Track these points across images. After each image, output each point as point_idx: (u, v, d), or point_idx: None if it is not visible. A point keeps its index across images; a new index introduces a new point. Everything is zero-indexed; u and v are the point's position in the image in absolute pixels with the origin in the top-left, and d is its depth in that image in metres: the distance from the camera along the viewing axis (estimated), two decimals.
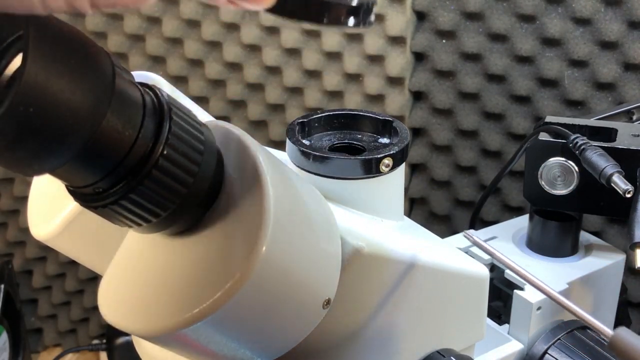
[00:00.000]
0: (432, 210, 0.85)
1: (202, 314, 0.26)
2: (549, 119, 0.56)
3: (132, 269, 0.31)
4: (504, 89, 0.77)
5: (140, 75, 0.42)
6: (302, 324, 0.31)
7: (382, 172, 0.36)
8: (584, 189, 0.53)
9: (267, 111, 0.88)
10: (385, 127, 0.40)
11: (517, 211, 0.80)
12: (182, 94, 0.43)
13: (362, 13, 0.28)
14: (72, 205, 0.37)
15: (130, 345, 0.60)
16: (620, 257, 0.57)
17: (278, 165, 0.30)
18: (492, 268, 0.55)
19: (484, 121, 0.79)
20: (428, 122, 0.81)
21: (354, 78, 0.80)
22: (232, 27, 0.85)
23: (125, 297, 0.30)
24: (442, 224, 0.86)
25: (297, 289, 0.29)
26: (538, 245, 0.57)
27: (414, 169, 0.84)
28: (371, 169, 0.36)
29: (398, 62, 0.77)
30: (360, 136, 0.40)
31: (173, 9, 0.86)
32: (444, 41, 0.77)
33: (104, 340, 0.97)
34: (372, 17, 0.29)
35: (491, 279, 0.53)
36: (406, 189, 0.84)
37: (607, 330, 0.32)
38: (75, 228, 0.37)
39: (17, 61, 0.24)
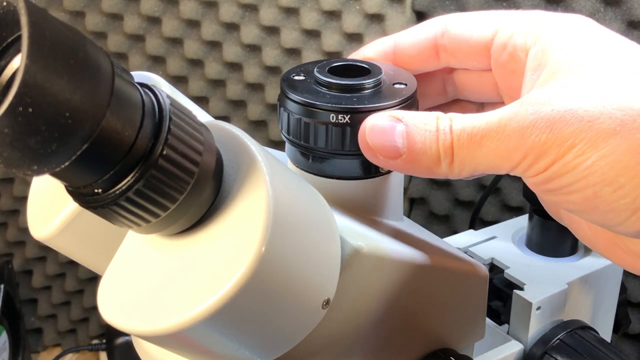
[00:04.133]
0: (432, 210, 0.85)
1: (202, 314, 0.27)
2: None
3: (131, 269, 0.31)
4: None
5: (140, 76, 0.42)
6: (301, 324, 0.31)
7: (381, 172, 0.36)
8: None
9: (267, 111, 0.88)
10: None
11: (516, 211, 0.80)
12: (182, 94, 0.43)
13: None
14: (71, 205, 0.37)
15: (130, 345, 0.60)
16: None
17: (278, 165, 0.30)
18: (492, 268, 0.55)
19: None
20: None
21: None
22: (232, 27, 0.85)
23: (124, 297, 0.30)
24: (442, 224, 0.86)
25: (296, 289, 0.29)
26: (538, 245, 0.57)
27: None
28: (370, 169, 0.36)
29: None
30: None
31: (173, 9, 0.86)
32: None
33: (104, 340, 0.97)
34: None
35: (491, 279, 0.53)
36: (406, 189, 0.84)
37: None
38: (75, 228, 0.37)
39: (16, 61, 0.24)
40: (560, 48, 0.33)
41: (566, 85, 0.31)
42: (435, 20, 0.40)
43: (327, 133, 0.34)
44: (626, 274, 0.66)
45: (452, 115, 0.33)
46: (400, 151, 0.33)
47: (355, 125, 0.34)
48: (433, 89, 0.42)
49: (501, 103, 0.40)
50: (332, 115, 0.34)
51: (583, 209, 0.31)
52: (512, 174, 0.32)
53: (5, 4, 0.23)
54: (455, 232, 0.82)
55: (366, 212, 0.37)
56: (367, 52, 0.40)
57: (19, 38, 0.24)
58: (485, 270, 0.41)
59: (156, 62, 0.90)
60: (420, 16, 0.78)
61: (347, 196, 0.36)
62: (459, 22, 0.39)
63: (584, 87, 0.31)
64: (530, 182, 0.32)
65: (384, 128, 0.33)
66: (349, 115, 0.34)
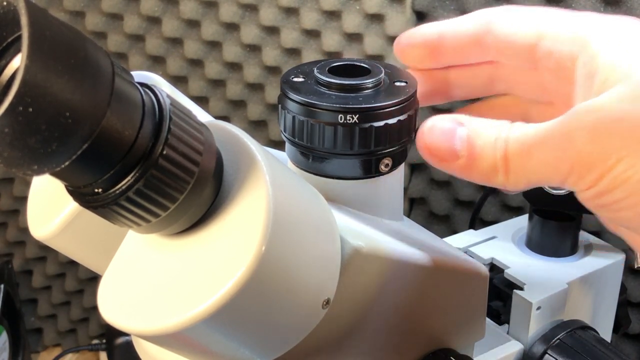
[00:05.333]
0: (432, 210, 0.85)
1: (202, 314, 0.27)
2: None
3: (131, 269, 0.31)
4: None
5: (140, 75, 0.42)
6: (301, 324, 0.31)
7: (381, 172, 0.36)
8: None
9: (267, 111, 0.88)
10: None
11: (516, 211, 0.80)
12: (182, 94, 0.43)
13: None
14: (72, 205, 0.37)
15: (130, 345, 0.60)
16: (620, 257, 0.57)
17: (278, 165, 0.30)
18: (492, 268, 0.55)
19: None
20: None
21: None
22: (232, 27, 0.85)
23: (124, 297, 0.30)
24: (442, 224, 0.86)
25: (296, 289, 0.29)
26: (538, 245, 0.57)
27: (414, 169, 0.84)
28: (370, 169, 0.36)
29: (397, 62, 0.77)
30: None
31: (173, 9, 0.86)
32: None
33: (104, 340, 0.97)
34: None
35: (491, 279, 0.53)
36: (406, 189, 0.84)
37: None
38: (75, 228, 0.37)
39: (16, 61, 0.24)
40: (609, 55, 0.32)
41: (612, 93, 0.30)
42: (480, 15, 0.38)
43: (334, 133, 0.34)
44: (626, 274, 0.66)
45: (515, 124, 0.32)
46: (457, 154, 0.32)
47: (363, 124, 0.34)
48: (477, 80, 0.41)
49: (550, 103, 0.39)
50: (340, 115, 0.34)
51: (638, 225, 0.30)
52: (566, 187, 0.31)
53: (5, 3, 0.23)
54: (455, 232, 0.82)
55: (366, 212, 0.37)
56: (414, 38, 0.40)
57: (19, 38, 0.24)
58: (485, 270, 0.41)
59: (156, 62, 0.90)
60: (421, 16, 0.78)
61: (347, 196, 0.36)
62: (503, 22, 0.37)
63: (631, 94, 0.29)
64: (583, 197, 0.31)
65: (444, 130, 0.33)
66: (357, 115, 0.34)
